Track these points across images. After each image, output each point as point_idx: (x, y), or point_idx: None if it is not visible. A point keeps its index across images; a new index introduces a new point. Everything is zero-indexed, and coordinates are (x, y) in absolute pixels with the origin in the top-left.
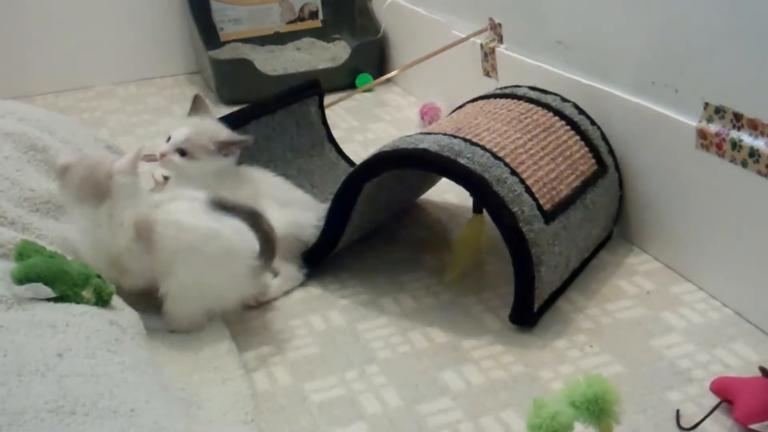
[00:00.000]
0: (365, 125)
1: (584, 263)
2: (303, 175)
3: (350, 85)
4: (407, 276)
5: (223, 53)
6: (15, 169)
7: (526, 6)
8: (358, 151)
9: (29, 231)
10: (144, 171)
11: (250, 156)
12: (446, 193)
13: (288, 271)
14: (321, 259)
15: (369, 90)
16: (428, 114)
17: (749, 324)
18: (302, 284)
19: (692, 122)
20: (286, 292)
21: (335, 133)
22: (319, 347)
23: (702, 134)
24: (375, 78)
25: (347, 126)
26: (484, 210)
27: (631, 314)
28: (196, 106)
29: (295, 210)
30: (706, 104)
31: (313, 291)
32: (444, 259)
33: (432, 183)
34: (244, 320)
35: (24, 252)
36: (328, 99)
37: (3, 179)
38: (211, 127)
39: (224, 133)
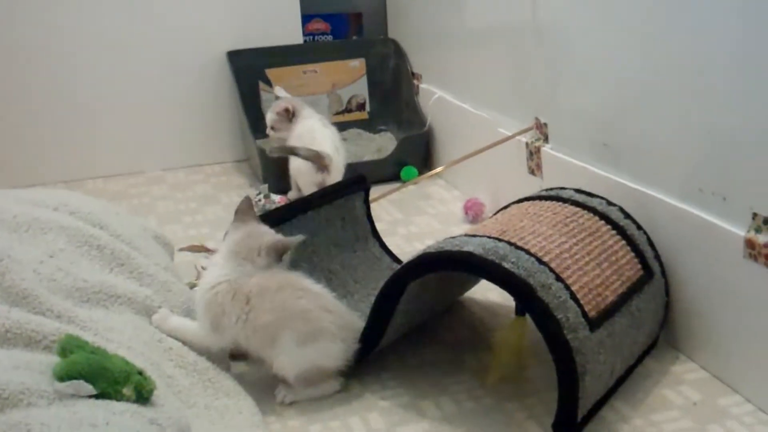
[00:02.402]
0: (409, 218)
1: (629, 370)
2: (346, 270)
3: (395, 177)
4: (449, 378)
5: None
6: (69, 262)
7: (572, 108)
8: (402, 245)
9: (74, 324)
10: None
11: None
12: (489, 291)
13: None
14: (362, 358)
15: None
16: (472, 209)
17: None
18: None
19: (740, 232)
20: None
21: (379, 226)
22: None
23: (750, 245)
24: (420, 170)
25: (391, 219)
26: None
27: (677, 426)
28: (243, 210)
29: (319, 346)
30: (755, 214)
31: (353, 390)
32: (486, 360)
33: (475, 282)
34: (283, 418)
35: (67, 347)
36: (373, 192)
37: (57, 270)
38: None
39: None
